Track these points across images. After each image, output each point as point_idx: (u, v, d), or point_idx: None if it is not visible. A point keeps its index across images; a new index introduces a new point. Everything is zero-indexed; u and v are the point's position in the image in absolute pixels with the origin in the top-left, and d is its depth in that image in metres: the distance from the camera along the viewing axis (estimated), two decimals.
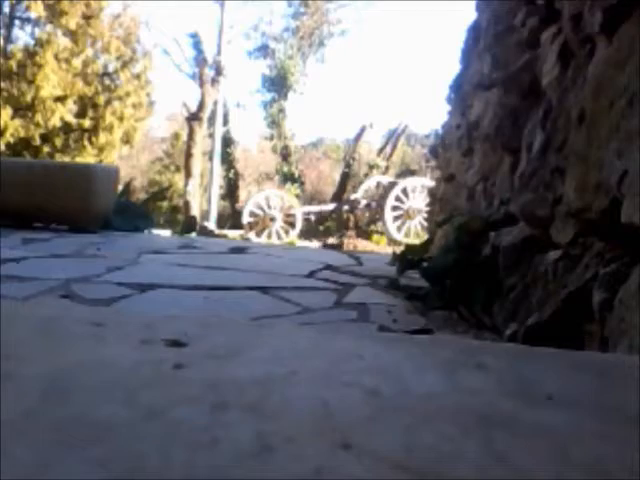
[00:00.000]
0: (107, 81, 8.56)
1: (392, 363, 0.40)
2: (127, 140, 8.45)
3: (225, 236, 6.23)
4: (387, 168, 8.61)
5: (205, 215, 8.73)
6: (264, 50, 10.70)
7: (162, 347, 0.39)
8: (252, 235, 6.25)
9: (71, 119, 8.00)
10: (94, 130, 8.11)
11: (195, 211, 8.46)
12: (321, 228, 7.74)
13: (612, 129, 1.68)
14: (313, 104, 22.29)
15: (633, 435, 0.30)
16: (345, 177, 8.34)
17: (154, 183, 11.26)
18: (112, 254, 1.89)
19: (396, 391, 0.35)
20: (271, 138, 10.07)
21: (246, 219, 6.38)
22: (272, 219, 6.39)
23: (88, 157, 7.85)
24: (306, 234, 6.96)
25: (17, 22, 8.51)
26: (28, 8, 8.09)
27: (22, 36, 8.57)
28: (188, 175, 8.74)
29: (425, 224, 5.88)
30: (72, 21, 7.81)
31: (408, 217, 6.54)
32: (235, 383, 0.34)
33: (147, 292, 1.39)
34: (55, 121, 7.73)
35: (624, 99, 1.57)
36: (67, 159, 7.48)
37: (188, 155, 8.84)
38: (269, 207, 6.39)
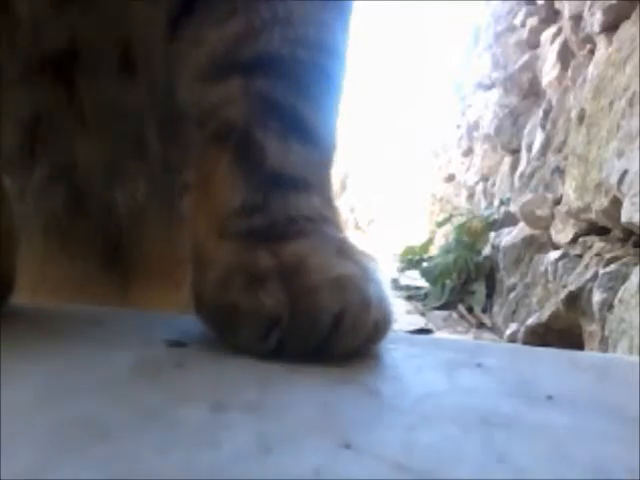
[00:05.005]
0: None
1: (392, 363, 0.40)
2: None
3: None
4: None
5: None
6: None
7: (163, 347, 0.39)
8: None
9: None
10: None
11: None
12: None
13: (612, 129, 1.68)
14: None
15: (633, 435, 0.30)
16: (346, 177, 8.35)
17: None
18: None
19: (396, 391, 0.35)
20: None
21: None
22: None
23: None
24: None
25: None
26: None
27: None
28: None
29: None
30: None
31: None
32: (235, 383, 0.34)
33: None
34: None
35: (624, 99, 1.57)
36: None
37: None
38: None
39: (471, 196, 3.93)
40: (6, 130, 0.49)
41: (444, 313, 2.98)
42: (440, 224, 4.24)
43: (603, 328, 1.54)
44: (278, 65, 0.41)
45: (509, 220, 2.83)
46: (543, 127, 2.43)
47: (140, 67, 0.48)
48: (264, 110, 0.40)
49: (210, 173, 0.42)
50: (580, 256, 1.83)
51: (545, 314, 1.96)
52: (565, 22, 2.25)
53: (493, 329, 2.66)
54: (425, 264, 3.64)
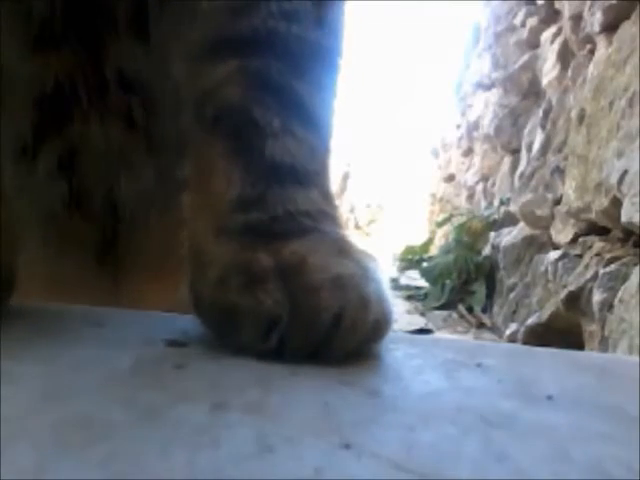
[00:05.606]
0: None
1: (392, 363, 0.40)
2: None
3: None
4: None
5: None
6: None
7: (163, 347, 0.39)
8: None
9: None
10: None
11: None
12: None
13: (612, 129, 1.68)
14: None
15: (633, 435, 0.30)
16: (346, 177, 8.36)
17: None
18: None
19: (396, 391, 0.35)
20: None
21: None
22: None
23: None
24: None
25: None
26: None
27: None
28: None
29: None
30: None
31: None
32: (235, 383, 0.34)
33: None
34: None
35: (624, 99, 1.57)
36: None
37: None
38: None
39: (471, 196, 3.93)
40: (15, 112, 0.47)
41: (444, 313, 2.98)
42: (440, 224, 4.24)
43: (603, 328, 1.53)
44: (274, 42, 0.39)
45: (509, 220, 2.83)
46: (543, 127, 2.43)
47: (153, 33, 0.46)
48: (262, 90, 0.39)
49: (206, 165, 0.40)
50: (580, 256, 1.83)
51: (545, 314, 1.96)
52: (565, 22, 2.25)
53: (493, 329, 2.66)
54: (425, 264, 3.64)
